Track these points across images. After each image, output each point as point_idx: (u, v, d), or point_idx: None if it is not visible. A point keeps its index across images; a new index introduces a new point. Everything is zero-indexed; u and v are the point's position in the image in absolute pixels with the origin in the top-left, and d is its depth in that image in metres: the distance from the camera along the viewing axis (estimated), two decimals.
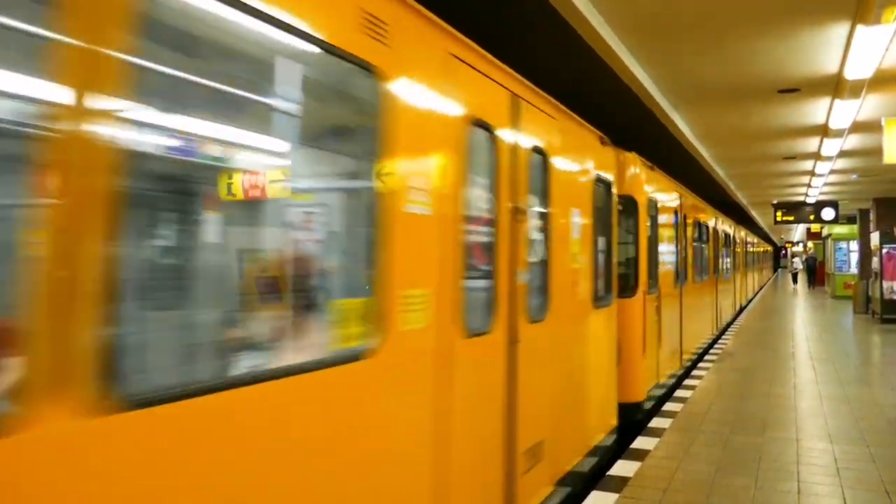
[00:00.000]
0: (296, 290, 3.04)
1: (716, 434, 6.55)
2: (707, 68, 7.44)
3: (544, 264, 4.34)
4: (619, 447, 6.07)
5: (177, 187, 3.49)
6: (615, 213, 6.28)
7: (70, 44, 1.57)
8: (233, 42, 2.64)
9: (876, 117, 9.67)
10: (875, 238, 19.22)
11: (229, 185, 3.56)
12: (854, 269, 25.99)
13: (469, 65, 3.32)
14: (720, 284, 14.54)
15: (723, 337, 14.66)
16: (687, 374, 9.94)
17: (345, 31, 2.48)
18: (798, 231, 43.93)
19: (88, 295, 1.57)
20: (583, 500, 4.82)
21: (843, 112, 9.20)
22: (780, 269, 67.85)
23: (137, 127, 2.64)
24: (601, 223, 5.75)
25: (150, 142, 3.07)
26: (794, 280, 40.13)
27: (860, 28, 5.94)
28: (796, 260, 42.95)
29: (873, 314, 18.96)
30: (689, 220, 10.46)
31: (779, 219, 20.85)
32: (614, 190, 6.20)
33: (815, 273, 37.59)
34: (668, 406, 7.81)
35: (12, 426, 1.42)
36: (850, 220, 25.98)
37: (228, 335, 2.99)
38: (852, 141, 11.74)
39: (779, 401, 8.06)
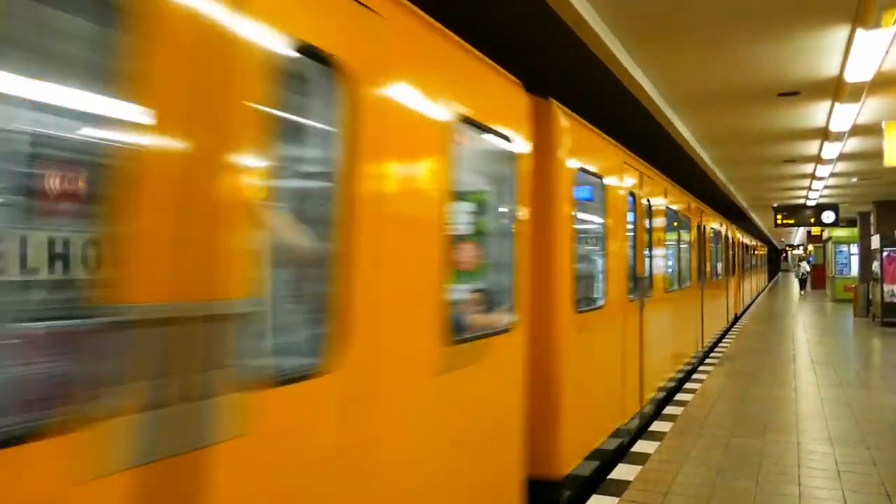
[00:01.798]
0: None
1: (716, 437, 6.54)
2: (707, 71, 7.45)
3: None
4: None
5: None
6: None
7: None
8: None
9: (876, 120, 9.67)
10: (875, 241, 19.22)
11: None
12: (854, 273, 25.99)
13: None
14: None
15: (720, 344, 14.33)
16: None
17: None
18: (798, 234, 43.95)
19: None
20: None
21: (844, 115, 9.20)
22: (780, 273, 67.92)
23: None
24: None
25: None
26: (802, 285, 35.76)
27: (860, 31, 5.94)
28: (804, 264, 37.58)
29: (874, 317, 18.94)
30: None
31: (779, 222, 20.87)
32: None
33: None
34: (668, 409, 7.79)
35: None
36: (851, 223, 25.99)
37: None
38: (852, 144, 11.74)
39: (779, 404, 8.05)
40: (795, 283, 38.74)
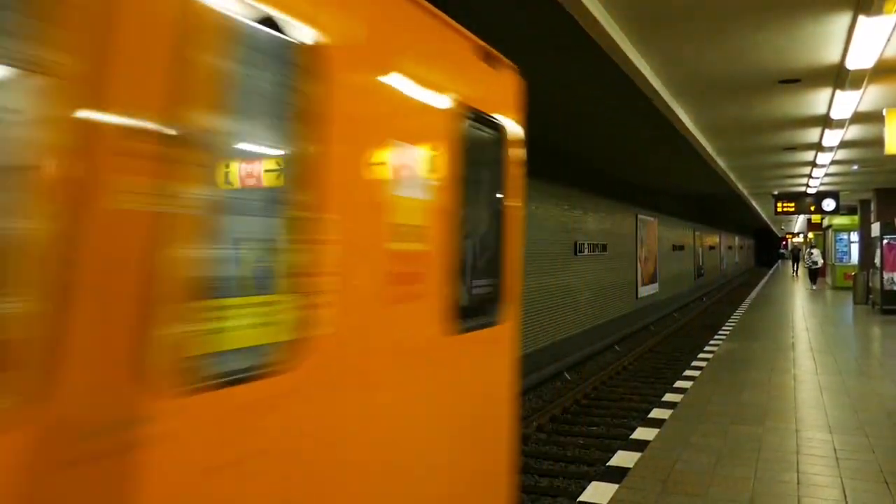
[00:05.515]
0: None
1: (716, 424, 6.58)
2: (708, 59, 7.43)
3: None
4: None
5: None
6: None
7: None
8: None
9: (877, 108, 9.65)
10: (876, 229, 19.23)
11: None
12: (854, 260, 26.02)
13: None
14: None
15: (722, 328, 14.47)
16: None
17: None
18: (798, 222, 44.02)
19: None
20: (582, 490, 4.85)
21: (845, 103, 9.18)
22: (779, 261, 68.28)
23: None
24: None
25: None
26: (813, 279, 29.60)
27: (862, 18, 5.92)
28: (815, 252, 30.49)
29: (873, 305, 18.98)
30: None
31: (780, 209, 20.89)
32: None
33: (800, 262, 39.45)
34: (667, 397, 7.84)
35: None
36: (851, 210, 25.98)
37: None
38: (853, 131, 11.72)
39: (778, 391, 8.09)
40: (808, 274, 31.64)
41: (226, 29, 1.74)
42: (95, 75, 1.41)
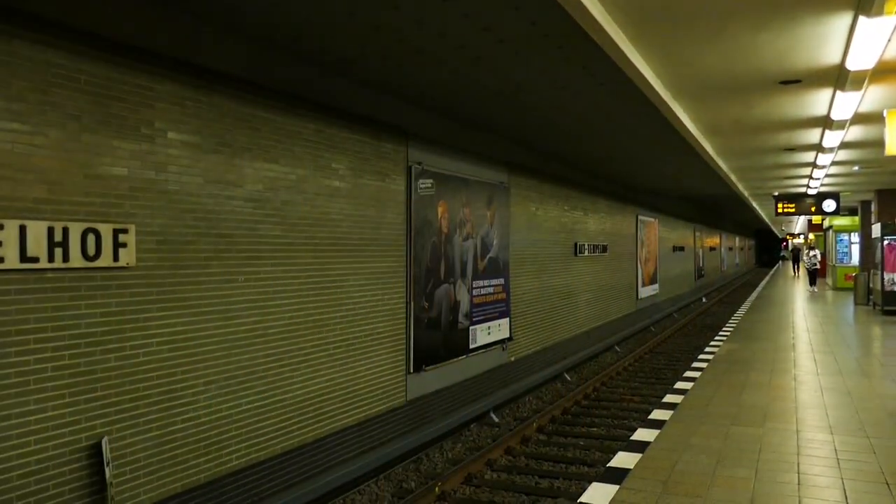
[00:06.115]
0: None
1: (716, 425, 6.57)
2: (708, 59, 7.42)
3: None
4: None
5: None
6: None
7: None
8: None
9: (878, 109, 9.65)
10: (876, 229, 19.23)
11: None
12: (855, 261, 26.01)
13: None
14: None
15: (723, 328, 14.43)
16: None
17: None
18: (799, 223, 44.03)
19: None
20: (582, 492, 4.85)
21: (845, 103, 9.16)
22: (780, 262, 68.46)
23: None
24: None
25: None
26: (812, 281, 28.19)
27: (862, 19, 5.91)
28: (814, 253, 28.92)
29: (874, 306, 18.96)
30: None
31: (780, 210, 20.90)
32: None
33: (800, 262, 40.48)
34: (668, 398, 7.83)
35: None
36: (852, 211, 25.96)
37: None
38: (854, 132, 11.72)
39: (779, 392, 8.08)
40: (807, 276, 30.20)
41: None
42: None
